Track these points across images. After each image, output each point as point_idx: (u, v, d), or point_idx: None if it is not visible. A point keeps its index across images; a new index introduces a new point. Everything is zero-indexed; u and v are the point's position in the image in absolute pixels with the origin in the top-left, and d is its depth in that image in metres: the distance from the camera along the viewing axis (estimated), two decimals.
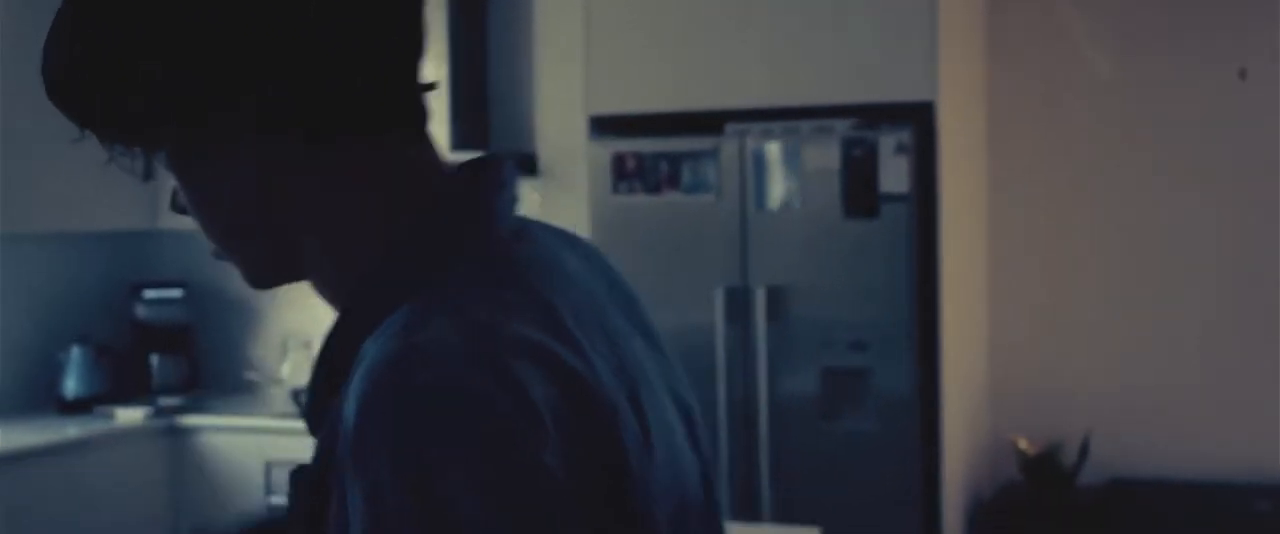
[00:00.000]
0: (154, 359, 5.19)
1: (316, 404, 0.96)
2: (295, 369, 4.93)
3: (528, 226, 1.03)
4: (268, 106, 0.93)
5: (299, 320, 5.06)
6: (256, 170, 0.96)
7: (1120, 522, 4.17)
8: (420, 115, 0.99)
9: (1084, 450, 4.18)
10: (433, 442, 0.81)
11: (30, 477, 4.36)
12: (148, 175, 1.01)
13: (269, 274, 1.03)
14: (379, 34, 0.94)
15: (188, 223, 1.03)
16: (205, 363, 5.37)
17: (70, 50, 0.95)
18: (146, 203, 5.16)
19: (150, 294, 5.27)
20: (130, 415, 4.83)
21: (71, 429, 4.65)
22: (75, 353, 4.96)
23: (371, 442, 0.83)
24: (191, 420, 4.84)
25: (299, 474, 0.95)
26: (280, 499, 4.47)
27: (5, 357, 4.99)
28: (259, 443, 4.70)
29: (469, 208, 0.97)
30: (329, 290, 1.01)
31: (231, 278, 1.08)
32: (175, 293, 5.28)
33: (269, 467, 4.65)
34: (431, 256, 0.95)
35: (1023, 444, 4.24)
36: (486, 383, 0.83)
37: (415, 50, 0.97)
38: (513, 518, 0.81)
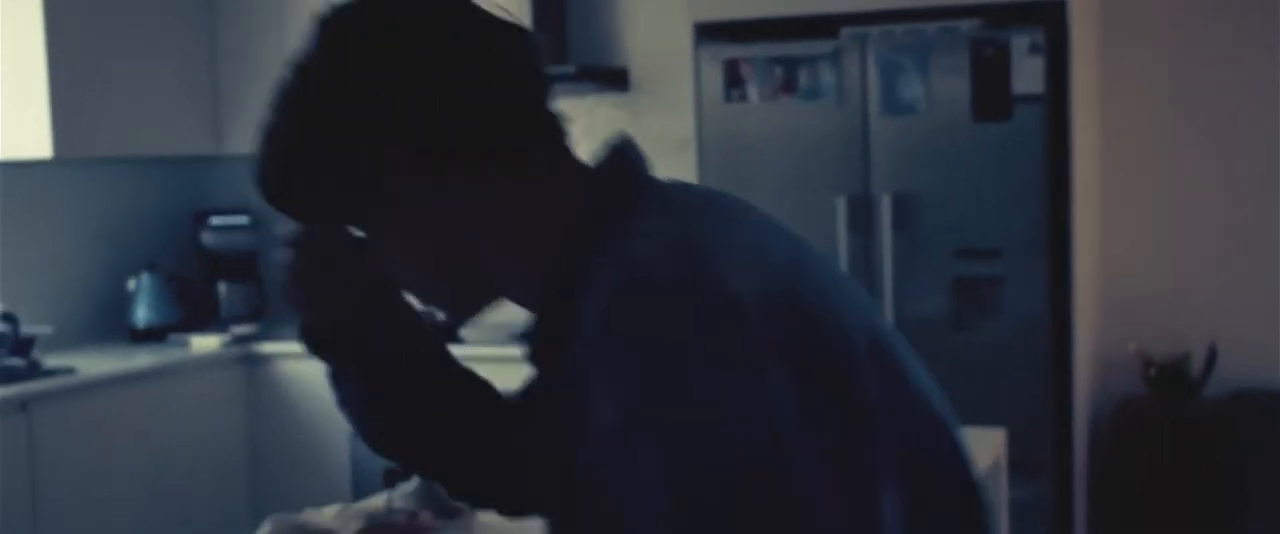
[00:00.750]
0: (222, 287, 5.03)
1: (538, 358, 1.18)
2: None
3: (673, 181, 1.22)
4: (431, 160, 1.11)
5: None
6: (435, 213, 1.13)
7: (1243, 433, 4.07)
8: (558, 133, 1.16)
9: (1211, 361, 4.07)
10: (664, 337, 1.00)
11: (111, 405, 4.23)
12: None
13: (472, 304, 1.21)
14: (509, 78, 1.13)
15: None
16: (273, 290, 5.21)
17: (273, 167, 1.15)
18: (211, 128, 4.99)
19: (216, 221, 5.11)
20: (206, 343, 4.67)
21: (149, 357, 4.49)
22: (145, 280, 4.80)
23: (614, 346, 1.01)
24: (267, 348, 4.69)
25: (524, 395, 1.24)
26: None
27: (74, 284, 4.83)
28: None
29: (616, 178, 1.15)
30: (523, 295, 1.16)
31: None
32: (241, 220, 5.12)
33: None
34: (603, 218, 1.12)
35: (1148, 356, 4.13)
36: (696, 283, 1.02)
37: (541, 84, 1.15)
38: (732, 381, 0.99)
